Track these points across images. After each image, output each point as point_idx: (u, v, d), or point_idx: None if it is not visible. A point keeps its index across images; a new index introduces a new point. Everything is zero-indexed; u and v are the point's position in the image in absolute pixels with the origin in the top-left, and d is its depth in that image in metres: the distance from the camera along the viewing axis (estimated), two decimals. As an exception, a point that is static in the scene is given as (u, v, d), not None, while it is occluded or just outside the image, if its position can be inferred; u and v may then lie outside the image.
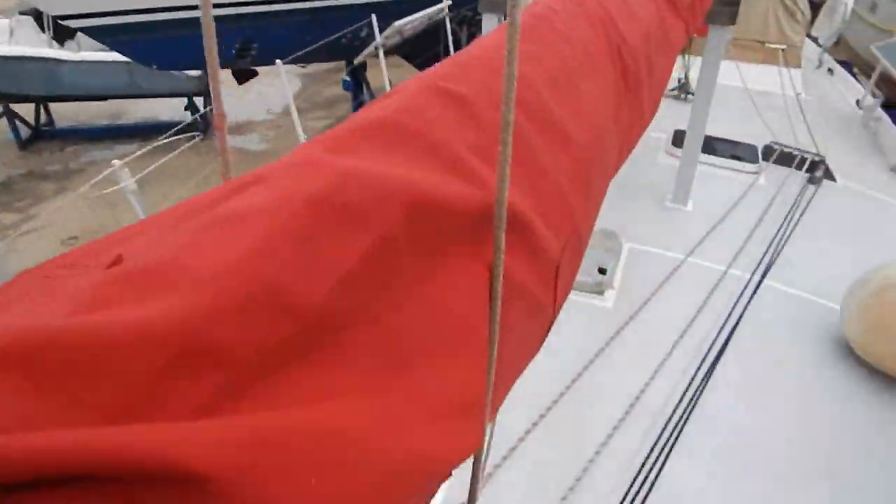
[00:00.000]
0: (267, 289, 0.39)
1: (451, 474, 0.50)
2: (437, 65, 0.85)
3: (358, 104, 9.01)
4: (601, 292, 3.22)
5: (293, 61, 10.12)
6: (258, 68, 10.76)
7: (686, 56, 5.56)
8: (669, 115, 4.85)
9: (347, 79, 10.12)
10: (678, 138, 4.42)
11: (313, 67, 14.33)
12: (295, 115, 4.76)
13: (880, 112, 5.66)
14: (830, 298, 3.09)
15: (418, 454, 0.45)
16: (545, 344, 2.75)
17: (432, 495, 0.52)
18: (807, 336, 2.99)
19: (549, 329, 0.88)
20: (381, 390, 0.45)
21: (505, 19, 2.53)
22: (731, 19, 3.37)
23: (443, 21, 7.18)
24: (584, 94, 1.06)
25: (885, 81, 6.00)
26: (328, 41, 7.16)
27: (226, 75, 10.25)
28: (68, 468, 0.26)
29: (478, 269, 0.61)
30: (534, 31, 1.05)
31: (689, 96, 5.39)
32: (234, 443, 0.33)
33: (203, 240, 0.41)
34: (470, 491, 0.78)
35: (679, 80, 5.61)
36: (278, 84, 4.57)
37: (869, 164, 4.95)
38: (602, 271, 3.27)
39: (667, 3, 1.94)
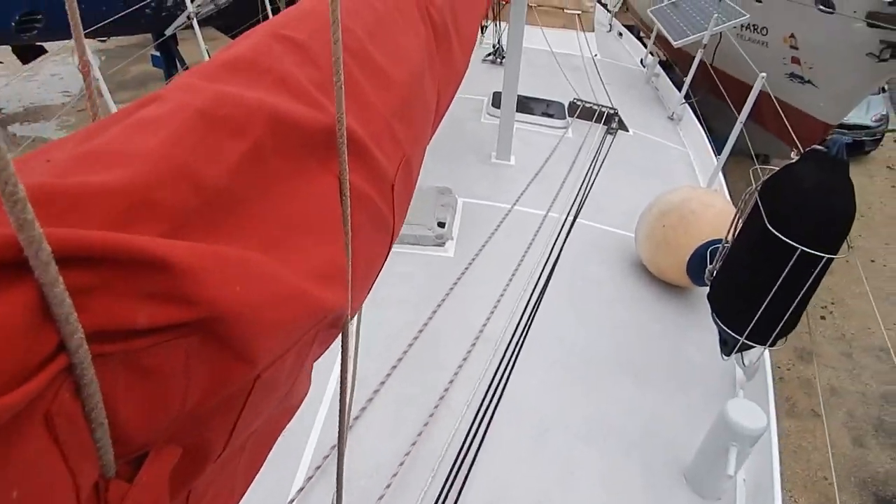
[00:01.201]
0: (180, 169, 0.54)
1: (322, 323, 0.69)
2: (275, 17, 1.00)
3: (172, 79, 8.37)
4: (442, 244, 3.53)
5: (90, 35, 9.06)
6: (46, 44, 9.50)
7: (499, 24, 6.02)
8: (488, 80, 5.27)
9: (157, 54, 9.31)
10: (497, 100, 4.84)
11: (116, 42, 12.94)
12: (106, 93, 4.39)
13: (659, 69, 6.62)
14: (627, 228, 3.70)
15: (305, 290, 0.64)
16: (399, 295, 3.02)
17: (309, 342, 0.70)
18: (611, 260, 3.57)
19: (392, 238, 1.07)
20: (274, 251, 0.62)
21: None
22: None
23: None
24: (400, 45, 1.24)
25: (661, 41, 7.01)
26: (129, 12, 6.57)
27: (5, 53, 8.91)
28: (85, 249, 0.41)
29: (330, 179, 0.78)
30: None
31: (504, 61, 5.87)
32: (188, 248, 0.49)
33: (129, 134, 0.55)
34: (339, 432, 0.96)
35: (494, 47, 6.06)
36: (73, 62, 4.12)
37: (652, 115, 5.82)
38: (441, 225, 3.58)
39: None
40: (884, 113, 11.29)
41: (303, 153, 0.74)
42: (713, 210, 3.07)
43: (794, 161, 2.23)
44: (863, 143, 11.04)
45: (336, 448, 0.99)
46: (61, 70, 11.32)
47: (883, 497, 5.62)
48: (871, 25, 6.14)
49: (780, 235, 2.12)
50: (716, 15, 5.67)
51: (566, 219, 3.81)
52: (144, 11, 7.44)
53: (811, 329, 7.64)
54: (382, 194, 0.98)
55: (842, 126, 9.40)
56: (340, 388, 0.96)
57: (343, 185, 0.80)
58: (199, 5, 6.04)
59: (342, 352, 0.90)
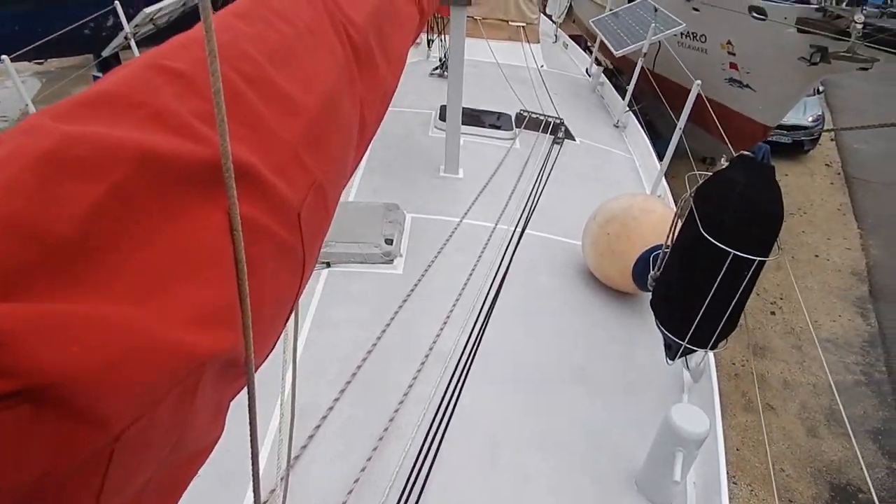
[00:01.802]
0: (10, 220, 0.50)
1: (203, 370, 0.66)
2: (158, 46, 0.95)
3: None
4: (391, 261, 3.49)
5: (24, 57, 8.75)
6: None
7: (444, 38, 6.05)
8: (436, 94, 5.28)
9: (99, 74, 9.06)
10: (444, 113, 4.86)
11: (55, 63, 12.53)
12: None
13: (604, 78, 6.76)
14: (575, 237, 3.74)
15: (173, 340, 0.59)
16: (348, 315, 2.95)
17: (192, 391, 0.66)
18: (560, 270, 3.60)
19: (305, 267, 1.03)
20: (139, 301, 0.58)
21: None
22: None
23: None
24: (310, 69, 1.21)
25: (606, 50, 7.16)
26: (66, 32, 6.36)
27: (-66, 77, 8.52)
28: None
29: (218, 214, 0.73)
30: (253, 14, 1.17)
31: (451, 74, 5.90)
32: (7, 312, 0.45)
33: None
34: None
35: (441, 60, 6.08)
36: (11, 85, 4.00)
37: (598, 123, 5.92)
38: (389, 242, 3.54)
39: None
40: (819, 113, 11.81)
41: (182, 190, 0.69)
42: (654, 216, 3.13)
43: (724, 167, 2.28)
44: (802, 142, 11.50)
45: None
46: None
47: (837, 485, 5.80)
48: (801, 31, 6.41)
49: (713, 240, 2.17)
50: (653, 25, 5.84)
51: (515, 230, 3.83)
52: (83, 32, 7.23)
53: (762, 324, 7.88)
54: (287, 224, 0.94)
55: (781, 127, 9.78)
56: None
57: (233, 220, 0.76)
58: (136, 25, 5.88)
59: (248, 388, 0.86)
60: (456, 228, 3.83)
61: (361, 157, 1.59)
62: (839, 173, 11.52)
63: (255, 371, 0.83)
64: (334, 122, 1.23)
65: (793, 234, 9.58)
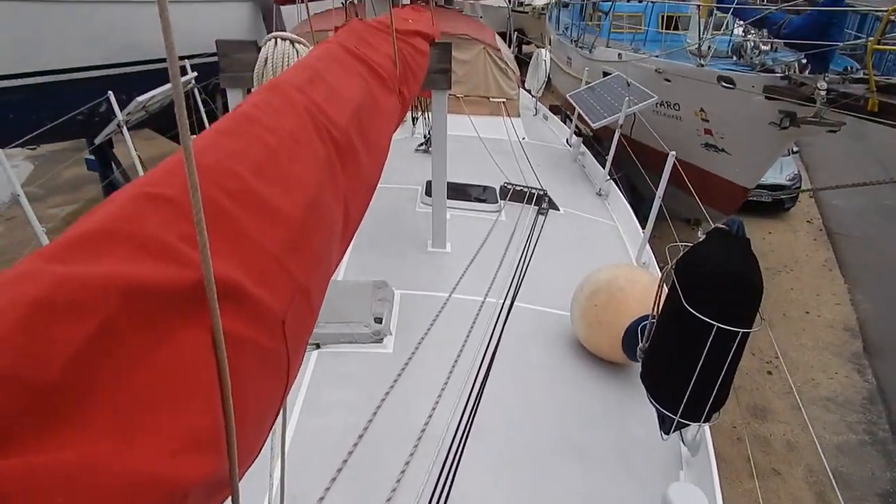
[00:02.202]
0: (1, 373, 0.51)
1: (187, 498, 0.65)
2: (146, 174, 0.99)
3: (108, 184, 8.26)
4: (380, 340, 3.47)
5: (19, 145, 8.94)
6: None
7: (428, 115, 6.26)
8: (422, 169, 5.41)
9: (92, 157, 9.24)
10: (430, 189, 4.96)
11: (48, 147, 12.79)
12: (26, 205, 4.25)
13: (583, 148, 6.98)
14: (564, 307, 3.75)
15: (156, 477, 0.59)
16: (338, 398, 2.91)
17: None
18: (550, 342, 3.58)
19: (290, 373, 1.04)
20: (124, 437, 0.58)
21: (249, 93, 2.67)
22: (447, 84, 3.91)
23: (191, 93, 7.04)
24: (294, 175, 1.25)
25: (583, 120, 7.43)
26: (60, 122, 6.53)
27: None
28: None
29: (202, 333, 0.75)
30: (239, 129, 1.23)
31: (436, 150, 6.08)
32: (2, 473, 0.45)
33: None
34: None
35: (425, 137, 6.28)
36: (2, 171, 4.06)
37: (581, 192, 6.06)
38: (378, 320, 3.53)
39: (377, 82, 2.26)
40: (796, 172, 12.16)
41: (165, 317, 0.71)
42: (639, 286, 3.16)
43: (701, 240, 2.33)
44: (782, 201, 11.78)
45: None
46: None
47: (851, 553, 5.59)
48: (769, 98, 6.71)
49: (696, 313, 2.19)
50: (627, 98, 6.09)
51: (503, 303, 3.84)
52: (76, 118, 7.43)
53: (760, 385, 7.80)
54: (271, 333, 0.95)
55: (760, 186, 10.04)
56: None
57: (217, 339, 0.77)
58: (128, 113, 6.07)
59: (232, 499, 0.84)
60: (445, 304, 3.84)
61: (345, 250, 1.62)
62: (821, 229, 11.75)
63: (241, 478, 0.83)
64: (318, 225, 1.26)
65: (781, 291, 9.65)
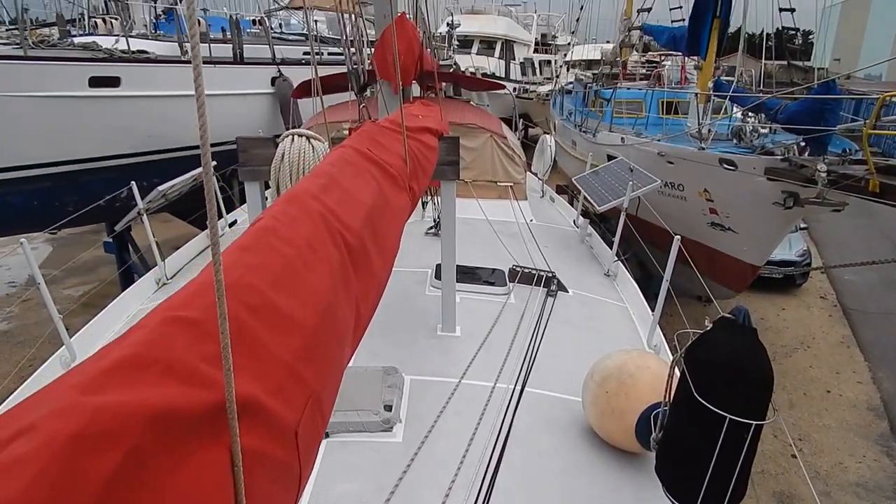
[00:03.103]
0: None
1: None
2: (173, 295, 1.05)
3: (125, 268, 8.43)
4: (390, 428, 3.42)
5: (40, 228, 9.24)
6: (-2, 239, 9.59)
7: (437, 199, 6.44)
8: (431, 252, 5.51)
9: (110, 240, 9.49)
10: (440, 272, 5.03)
11: (67, 230, 13.17)
12: (45, 291, 4.32)
13: (590, 230, 7.09)
14: (575, 393, 3.70)
15: None
16: (346, 490, 2.86)
17: None
18: (562, 429, 3.52)
19: (303, 480, 1.06)
20: None
21: (267, 188, 2.81)
22: (456, 175, 4.06)
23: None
24: (309, 283, 1.31)
25: (589, 204, 7.60)
26: (84, 212, 6.77)
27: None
28: None
29: (219, 453, 0.79)
30: (259, 243, 1.30)
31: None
32: None
33: None
34: None
35: (435, 220, 6.43)
36: (21, 252, 4.17)
37: (589, 273, 6.11)
38: (388, 408, 3.50)
39: (388, 182, 2.37)
40: (805, 248, 12.20)
41: (187, 439, 0.75)
42: (650, 372, 3.13)
43: (708, 329, 2.35)
44: (793, 277, 11.74)
45: None
46: (9, 261, 11.30)
47: None
48: (770, 179, 6.86)
49: (707, 405, 2.17)
50: (631, 182, 6.26)
51: (514, 389, 3.80)
52: (98, 204, 7.71)
53: (785, 469, 7.48)
54: (285, 446, 0.98)
55: (770, 263, 10.05)
56: None
57: (235, 457, 0.80)
58: (149, 201, 6.30)
59: None
60: (455, 390, 3.81)
61: (356, 348, 1.66)
62: (836, 305, 11.63)
63: None
64: (330, 331, 1.32)
65: (800, 369, 9.44)
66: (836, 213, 6.64)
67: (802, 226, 12.38)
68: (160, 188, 6.50)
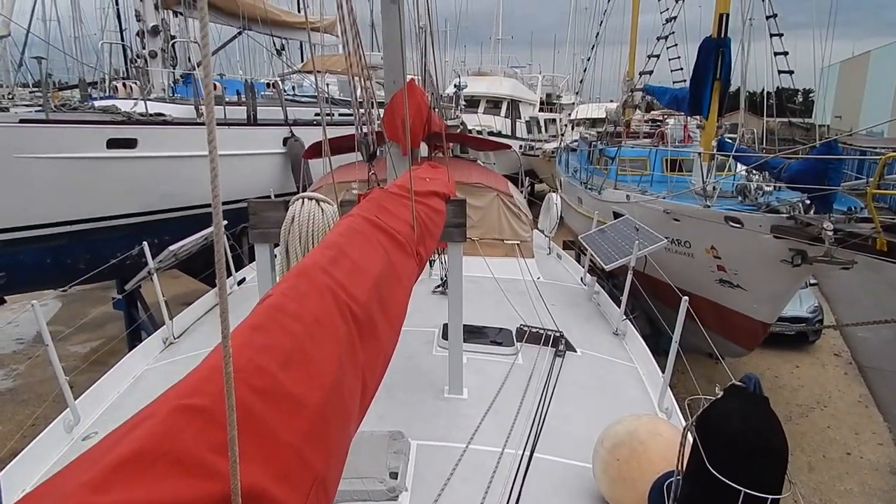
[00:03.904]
0: None
1: None
2: (180, 382, 1.06)
3: (134, 327, 8.45)
4: (395, 497, 3.33)
5: (53, 285, 9.33)
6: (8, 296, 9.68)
7: (444, 258, 6.48)
8: (439, 311, 5.49)
9: (119, 297, 9.55)
10: (447, 332, 5.00)
11: (77, 287, 13.28)
12: (53, 355, 4.32)
13: (598, 287, 7.07)
14: (585, 458, 3.61)
15: None
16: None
17: None
18: (572, 498, 3.41)
19: None
20: None
21: (276, 246, 2.84)
22: (463, 237, 4.10)
23: (220, 240, 7.40)
24: (317, 360, 1.32)
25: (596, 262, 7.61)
26: (97, 272, 6.86)
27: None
28: None
29: None
30: (268, 322, 1.32)
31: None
32: None
33: None
34: None
35: (442, 279, 6.44)
36: (31, 310, 4.20)
37: (597, 332, 6.06)
38: (394, 475, 3.42)
39: (396, 248, 2.40)
40: (816, 304, 12.07)
41: None
42: (661, 439, 3.06)
43: (719, 396, 2.31)
44: (805, 334, 11.57)
45: None
46: (19, 318, 11.35)
47: None
48: (777, 237, 6.86)
49: (720, 477, 2.11)
50: (637, 242, 6.29)
51: (522, 455, 3.71)
52: (108, 260, 7.82)
53: (807, 537, 7.16)
54: None
55: (782, 319, 9.93)
56: None
57: None
58: (160, 261, 6.39)
59: None
60: (462, 455, 3.72)
61: (361, 421, 1.65)
62: (850, 363, 11.40)
63: None
64: (337, 410, 1.32)
65: (818, 430, 9.18)
66: (845, 270, 6.61)
67: (812, 281, 12.29)
68: (171, 248, 6.60)
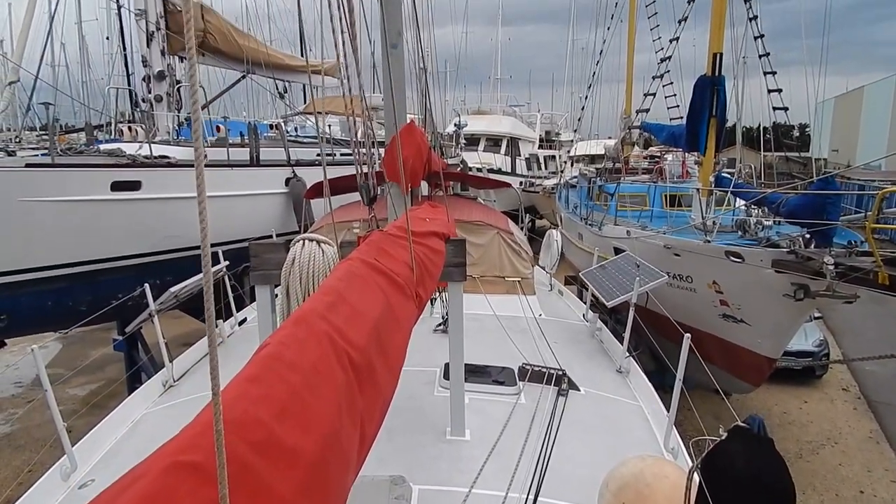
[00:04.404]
0: None
1: None
2: (174, 438, 1.05)
3: (134, 369, 8.38)
4: (397, 545, 3.26)
5: (54, 328, 9.29)
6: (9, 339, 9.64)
7: (446, 296, 6.46)
8: (440, 351, 5.45)
9: (119, 338, 9.50)
10: (448, 371, 4.95)
11: (77, 328, 13.24)
12: (52, 401, 4.28)
13: (600, 324, 7.03)
14: (590, 501, 3.52)
15: None
16: None
17: None
18: None
19: None
20: None
21: (278, 286, 2.83)
22: (462, 277, 4.10)
23: (221, 280, 7.42)
24: (314, 410, 1.30)
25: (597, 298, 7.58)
26: (98, 314, 6.84)
27: (-37, 353, 8.95)
28: None
29: None
30: (265, 373, 1.31)
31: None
32: None
33: None
34: None
35: (443, 317, 6.42)
36: (32, 353, 4.18)
37: (600, 369, 6.00)
38: (394, 523, 3.35)
39: (395, 291, 2.40)
40: (821, 338, 11.96)
41: None
42: (667, 482, 2.99)
43: (723, 438, 2.27)
44: (813, 368, 11.44)
45: None
46: (19, 361, 11.28)
47: None
48: (779, 272, 6.85)
49: (729, 523, 2.06)
50: (638, 278, 6.29)
51: (526, 498, 3.63)
52: (109, 302, 7.80)
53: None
54: None
55: (788, 353, 9.83)
56: None
57: None
58: (161, 303, 6.38)
59: None
60: (465, 500, 3.64)
61: (360, 470, 1.62)
62: (859, 397, 11.23)
63: None
64: (335, 458, 1.30)
65: (830, 467, 8.98)
66: (849, 304, 6.57)
67: (817, 315, 12.21)
68: (172, 290, 6.60)
